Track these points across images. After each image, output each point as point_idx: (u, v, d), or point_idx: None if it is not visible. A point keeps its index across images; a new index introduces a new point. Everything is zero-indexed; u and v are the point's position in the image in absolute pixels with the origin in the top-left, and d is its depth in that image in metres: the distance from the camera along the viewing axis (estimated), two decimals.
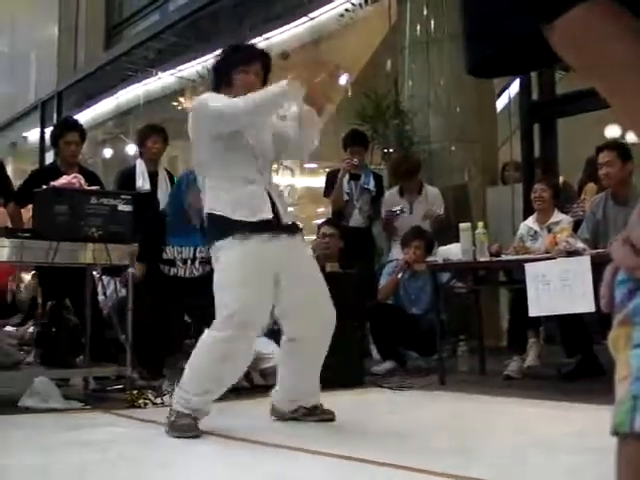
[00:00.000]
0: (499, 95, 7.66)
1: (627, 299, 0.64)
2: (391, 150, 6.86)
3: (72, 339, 4.28)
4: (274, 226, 3.17)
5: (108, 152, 12.47)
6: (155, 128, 5.75)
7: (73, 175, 4.28)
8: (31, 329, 5.67)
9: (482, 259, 4.48)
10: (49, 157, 9.80)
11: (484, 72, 0.78)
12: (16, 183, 5.51)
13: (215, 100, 3.14)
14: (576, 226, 4.77)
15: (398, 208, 6.01)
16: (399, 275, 5.47)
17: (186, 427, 3.01)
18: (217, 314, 3.06)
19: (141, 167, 5.52)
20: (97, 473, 2.47)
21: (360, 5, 8.23)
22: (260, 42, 7.45)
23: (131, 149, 10.68)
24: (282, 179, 9.12)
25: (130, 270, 4.15)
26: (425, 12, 6.94)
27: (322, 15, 8.53)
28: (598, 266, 3.65)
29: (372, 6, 8.23)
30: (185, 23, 9.56)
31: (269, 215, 3.17)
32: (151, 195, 5.39)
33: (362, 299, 5.10)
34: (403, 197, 6.10)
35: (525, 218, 5.52)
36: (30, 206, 4.51)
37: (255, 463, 2.61)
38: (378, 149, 6.92)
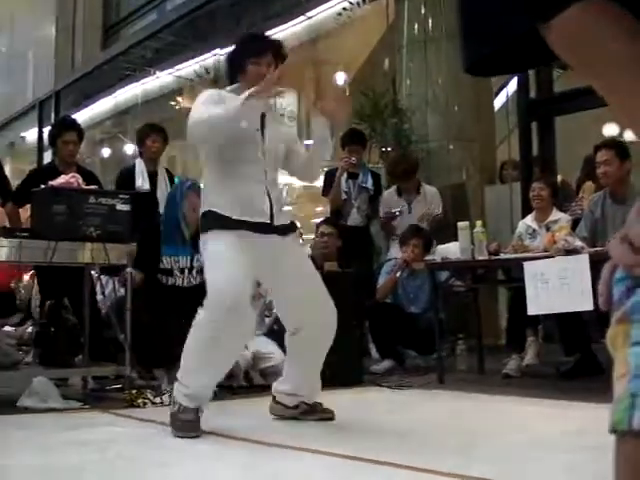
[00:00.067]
0: (497, 93, 7.66)
1: (625, 297, 0.64)
2: (389, 149, 6.86)
3: (71, 339, 4.28)
4: (267, 228, 3.18)
5: (106, 152, 12.48)
6: (154, 127, 5.74)
7: (71, 175, 4.27)
8: (30, 329, 5.67)
9: (481, 258, 4.48)
10: (47, 157, 9.78)
11: (481, 70, 0.78)
12: (14, 183, 5.50)
13: (190, 126, 3.14)
14: (574, 224, 4.77)
15: (397, 210, 6.01)
16: (397, 274, 5.47)
17: (189, 426, 3.01)
18: (208, 295, 3.05)
19: (140, 166, 5.51)
20: (96, 473, 2.47)
21: (358, 4, 8.24)
22: None
23: (129, 148, 10.69)
24: (281, 178, 9.11)
25: (128, 270, 4.14)
26: (423, 11, 6.94)
27: (320, 14, 8.53)
28: (596, 264, 3.65)
29: (370, 5, 8.24)
30: (182, 22, 9.56)
31: (264, 218, 3.18)
32: (150, 195, 5.38)
33: (361, 298, 5.10)
34: (401, 197, 6.09)
35: (523, 217, 5.53)
36: (28, 206, 4.51)
37: (255, 462, 2.61)
38: (376, 148, 6.93)
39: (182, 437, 2.99)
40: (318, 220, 6.18)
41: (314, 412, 3.37)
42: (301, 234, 9.04)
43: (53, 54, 12.68)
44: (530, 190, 5.25)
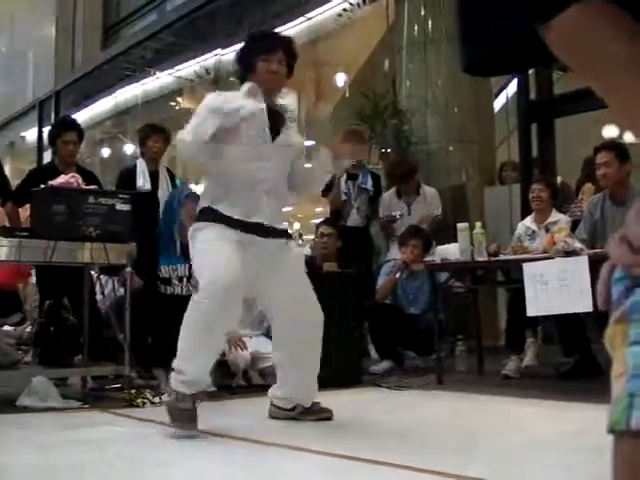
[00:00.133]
0: (497, 95, 7.67)
1: (624, 297, 0.64)
2: (389, 150, 6.87)
3: (70, 338, 4.28)
4: (260, 229, 3.19)
5: (106, 152, 12.48)
6: (156, 128, 5.73)
7: (71, 174, 4.28)
8: (29, 328, 5.66)
9: (480, 259, 4.49)
10: (47, 156, 9.78)
11: (480, 70, 0.78)
12: (14, 183, 5.50)
13: (177, 144, 3.18)
14: (574, 226, 4.77)
15: (398, 213, 6.01)
16: (397, 275, 5.47)
17: (187, 415, 3.01)
18: (203, 276, 3.05)
19: (142, 166, 5.50)
20: (95, 472, 2.47)
21: (358, 5, 8.24)
22: None
23: (129, 149, 10.69)
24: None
25: (128, 269, 4.14)
26: (423, 12, 6.95)
27: (320, 15, 8.53)
28: (596, 266, 3.65)
29: (370, 6, 8.24)
30: (182, 23, 9.56)
31: (260, 220, 3.18)
32: (152, 194, 5.38)
33: (360, 299, 5.10)
34: (400, 199, 6.10)
35: (523, 218, 5.53)
36: (28, 205, 4.51)
37: (253, 462, 2.61)
38: (376, 149, 6.93)
39: (180, 428, 2.99)
40: (318, 221, 6.18)
41: (312, 413, 3.37)
42: (301, 234, 9.07)
43: (53, 54, 12.69)
44: (530, 191, 5.25)
